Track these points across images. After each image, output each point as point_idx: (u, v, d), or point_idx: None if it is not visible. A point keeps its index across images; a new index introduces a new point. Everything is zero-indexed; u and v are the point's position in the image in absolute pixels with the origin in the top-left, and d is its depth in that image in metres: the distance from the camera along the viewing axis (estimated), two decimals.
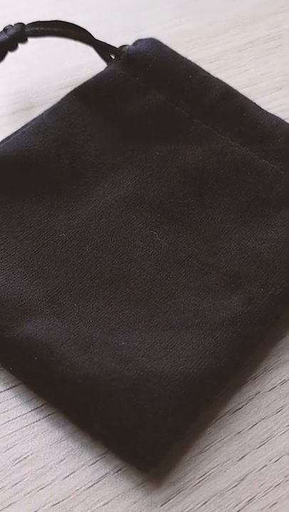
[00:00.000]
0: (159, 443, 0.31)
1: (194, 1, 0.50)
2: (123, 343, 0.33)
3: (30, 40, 0.43)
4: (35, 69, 0.45)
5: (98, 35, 0.43)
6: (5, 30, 0.41)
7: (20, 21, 0.42)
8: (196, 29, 0.48)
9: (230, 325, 0.34)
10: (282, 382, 0.34)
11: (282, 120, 0.41)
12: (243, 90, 0.44)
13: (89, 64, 0.44)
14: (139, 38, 0.43)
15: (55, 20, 0.42)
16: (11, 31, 0.41)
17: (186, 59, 0.42)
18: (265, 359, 0.35)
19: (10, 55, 0.43)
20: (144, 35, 0.43)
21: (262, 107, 0.42)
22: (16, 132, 0.39)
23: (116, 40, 0.43)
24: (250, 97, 0.43)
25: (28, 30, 0.42)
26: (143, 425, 0.31)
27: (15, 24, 0.42)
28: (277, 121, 0.40)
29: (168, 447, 0.31)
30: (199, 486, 0.31)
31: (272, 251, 0.36)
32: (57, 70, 0.45)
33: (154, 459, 0.31)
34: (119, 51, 0.42)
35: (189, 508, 0.31)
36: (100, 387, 0.31)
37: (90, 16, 0.48)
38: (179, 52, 0.42)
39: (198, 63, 0.43)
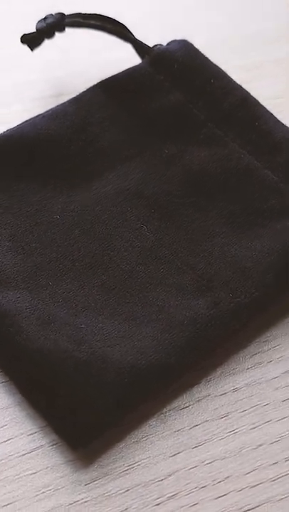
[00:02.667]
0: (92, 425, 0.31)
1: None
2: (83, 326, 0.34)
3: (73, 31, 0.44)
4: (73, 59, 0.46)
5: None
6: (45, 18, 0.43)
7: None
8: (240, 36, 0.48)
9: (189, 325, 0.34)
10: (235, 390, 0.34)
11: None
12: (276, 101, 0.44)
13: (124, 59, 0.44)
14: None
15: (95, 14, 0.43)
16: (50, 20, 0.42)
17: (212, 64, 0.42)
18: (224, 364, 0.35)
19: (52, 43, 0.44)
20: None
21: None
22: (37, 116, 0.41)
23: None
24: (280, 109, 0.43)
25: (66, 20, 0.43)
26: (80, 405, 0.31)
27: (55, 14, 0.43)
28: None
29: (100, 431, 0.32)
30: (126, 474, 0.32)
31: (251, 260, 0.36)
32: (93, 62, 0.45)
33: (84, 439, 0.31)
34: (150, 49, 0.42)
35: (111, 492, 0.31)
36: (48, 362, 0.32)
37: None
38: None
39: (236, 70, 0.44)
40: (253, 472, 0.32)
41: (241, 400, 0.34)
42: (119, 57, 0.44)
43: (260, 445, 0.33)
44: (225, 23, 0.48)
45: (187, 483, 0.32)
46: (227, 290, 0.35)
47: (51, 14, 0.43)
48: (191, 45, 0.42)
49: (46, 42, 0.43)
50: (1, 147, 0.39)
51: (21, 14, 0.46)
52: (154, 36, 0.44)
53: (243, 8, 0.49)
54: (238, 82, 0.42)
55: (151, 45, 0.43)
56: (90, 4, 0.47)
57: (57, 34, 0.43)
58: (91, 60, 0.46)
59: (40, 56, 0.45)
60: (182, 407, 0.33)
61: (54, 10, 0.43)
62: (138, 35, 0.44)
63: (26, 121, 0.40)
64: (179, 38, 0.44)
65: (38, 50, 0.44)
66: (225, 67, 0.43)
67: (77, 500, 0.31)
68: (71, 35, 0.45)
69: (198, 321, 0.34)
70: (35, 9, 0.44)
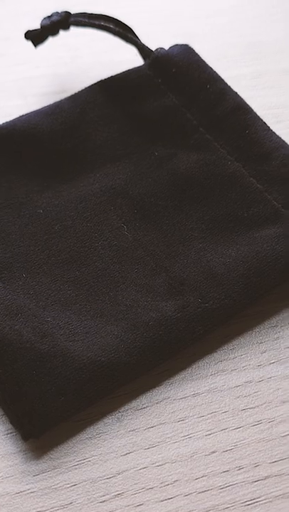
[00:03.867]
0: (44, 417, 0.31)
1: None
2: (49, 319, 0.34)
3: (83, 30, 0.44)
4: (80, 57, 0.46)
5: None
6: (50, 16, 0.43)
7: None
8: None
9: (154, 326, 0.34)
10: (195, 395, 0.34)
11: (287, 145, 0.39)
12: (276, 111, 0.43)
13: (130, 60, 0.44)
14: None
15: (101, 14, 0.43)
16: (54, 17, 0.43)
17: (210, 69, 0.41)
18: (188, 369, 0.34)
19: (60, 41, 0.44)
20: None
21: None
22: (34, 111, 0.41)
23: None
24: (279, 118, 0.43)
25: (72, 19, 0.43)
26: (35, 397, 0.31)
27: (61, 12, 0.43)
28: (279, 144, 0.39)
29: (51, 423, 0.32)
30: (75, 469, 0.31)
31: (224, 266, 0.35)
32: (98, 61, 0.45)
33: (36, 431, 0.31)
34: (151, 52, 0.42)
35: (58, 485, 0.31)
36: (9, 352, 0.32)
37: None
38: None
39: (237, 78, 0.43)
40: (202, 478, 0.31)
41: (200, 405, 0.33)
42: (124, 59, 0.45)
43: (213, 452, 0.32)
44: (231, 30, 0.48)
45: (135, 483, 0.31)
46: (197, 295, 0.35)
47: (57, 12, 0.43)
48: (192, 50, 0.42)
49: (56, 40, 0.44)
50: None
51: (33, 10, 0.47)
52: (161, 40, 0.44)
53: (250, 16, 0.49)
54: (240, 90, 0.42)
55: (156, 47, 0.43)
56: (108, 6, 0.48)
57: (66, 33, 0.44)
58: (97, 60, 0.46)
59: (48, 53, 0.45)
60: (140, 407, 0.33)
61: (70, 9, 0.43)
62: (146, 38, 0.44)
63: (22, 115, 0.41)
64: (185, 42, 0.43)
65: (46, 48, 0.44)
66: (227, 74, 0.43)
67: (24, 491, 0.31)
68: (80, 34, 0.45)
69: (164, 323, 0.34)
70: (48, 7, 0.45)
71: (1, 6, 0.48)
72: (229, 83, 0.42)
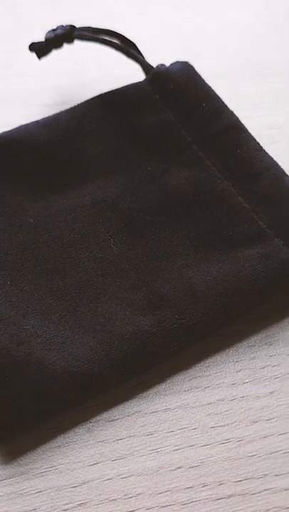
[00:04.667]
0: (13, 422, 0.32)
1: None
2: (28, 327, 0.34)
3: (88, 44, 0.44)
4: (84, 71, 0.46)
5: None
6: (54, 29, 0.43)
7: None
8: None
9: (129, 340, 0.34)
10: (166, 410, 0.34)
11: (278, 166, 0.39)
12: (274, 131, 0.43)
13: (133, 75, 0.44)
14: None
15: (105, 29, 0.44)
16: (59, 31, 0.43)
17: (208, 87, 0.42)
18: (161, 383, 0.34)
19: (66, 54, 0.45)
20: None
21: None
22: (32, 122, 0.41)
23: None
24: (275, 139, 0.43)
25: (76, 33, 0.44)
26: (5, 402, 0.32)
27: (66, 25, 0.44)
28: (270, 164, 0.39)
29: (20, 429, 0.32)
30: (42, 476, 0.32)
31: (204, 284, 0.36)
32: (102, 75, 0.46)
33: (4, 435, 0.32)
34: (151, 68, 0.43)
35: (23, 491, 0.31)
36: None
37: None
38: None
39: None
40: (166, 493, 0.32)
41: (170, 420, 0.33)
42: (127, 73, 0.45)
43: (179, 467, 0.32)
44: (236, 48, 0.48)
45: (99, 494, 0.32)
46: (174, 310, 0.35)
47: (62, 25, 0.44)
48: (192, 67, 0.42)
49: (61, 52, 0.45)
50: None
51: (41, 23, 0.47)
52: (165, 55, 0.45)
53: (256, 35, 0.49)
54: (242, 108, 0.42)
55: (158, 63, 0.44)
56: (116, 21, 0.49)
57: (71, 46, 0.44)
58: (100, 74, 0.46)
59: (53, 65, 0.46)
60: (111, 419, 0.33)
61: (78, 22, 0.44)
62: (151, 54, 0.44)
63: (21, 126, 0.41)
64: (189, 58, 0.44)
65: (51, 60, 0.45)
66: (230, 92, 0.43)
67: None
68: (85, 48, 0.45)
69: (139, 337, 0.34)
70: (56, 19, 0.46)
71: (10, 17, 0.49)
72: (232, 101, 0.42)
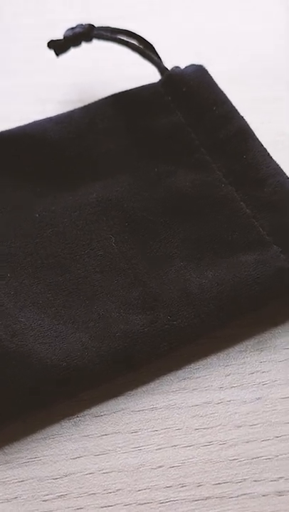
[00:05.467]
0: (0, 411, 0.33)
1: None
2: (23, 320, 0.35)
3: (110, 43, 0.45)
4: (102, 69, 0.46)
5: None
6: (73, 27, 0.44)
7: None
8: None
9: (120, 337, 0.34)
10: (152, 409, 0.34)
11: (283, 173, 0.39)
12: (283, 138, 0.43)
13: (150, 76, 0.44)
14: None
15: (123, 29, 0.44)
16: (77, 29, 0.44)
17: (220, 92, 0.42)
18: (150, 383, 0.35)
19: (86, 52, 0.45)
20: None
21: None
22: (46, 118, 0.42)
23: None
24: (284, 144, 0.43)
25: (94, 32, 0.44)
26: None
27: (85, 24, 0.44)
28: (276, 171, 0.39)
29: (7, 418, 0.33)
30: (25, 466, 0.32)
31: (199, 287, 0.36)
32: (120, 74, 0.46)
33: None
34: (166, 70, 0.43)
35: (6, 479, 0.32)
36: None
37: None
38: None
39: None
40: (145, 491, 0.32)
41: (156, 420, 0.34)
42: (145, 73, 0.45)
43: (160, 466, 0.33)
44: (253, 54, 0.48)
45: (79, 487, 0.32)
46: (167, 312, 0.35)
47: (81, 24, 0.44)
48: (205, 71, 0.42)
49: (81, 50, 0.45)
50: (0, 143, 0.40)
51: (65, 20, 0.48)
52: (182, 58, 0.45)
53: (272, 42, 0.49)
54: (254, 114, 0.42)
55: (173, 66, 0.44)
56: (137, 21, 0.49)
57: (92, 44, 0.45)
58: (118, 73, 0.46)
59: (72, 63, 0.46)
60: (97, 414, 0.34)
61: (103, 22, 0.44)
62: (168, 55, 0.45)
63: (35, 121, 0.42)
64: (206, 61, 0.44)
65: (71, 57, 0.45)
66: (243, 97, 0.43)
67: None
68: (105, 47, 0.46)
69: (130, 335, 0.34)
70: (80, 17, 0.46)
71: (34, 14, 0.49)
72: (245, 106, 0.42)
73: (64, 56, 0.45)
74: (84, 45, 0.44)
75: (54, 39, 0.44)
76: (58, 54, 0.44)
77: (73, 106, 0.43)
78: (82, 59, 0.46)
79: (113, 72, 0.47)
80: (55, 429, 0.33)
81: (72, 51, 0.45)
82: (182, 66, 0.43)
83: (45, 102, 0.45)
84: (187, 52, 0.47)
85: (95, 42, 0.44)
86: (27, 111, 0.44)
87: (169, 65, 0.44)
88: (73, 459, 0.33)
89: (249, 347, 0.36)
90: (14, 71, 0.47)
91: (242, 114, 0.41)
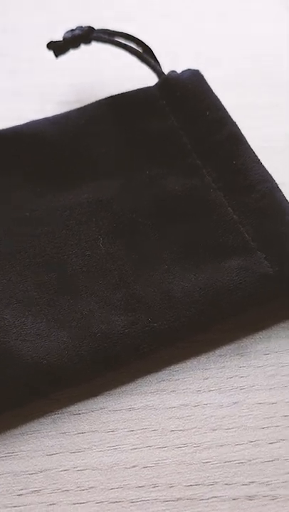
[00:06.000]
0: None
1: None
2: (7, 317, 0.35)
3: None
4: (103, 71, 0.47)
5: None
6: (73, 29, 0.44)
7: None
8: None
9: (100, 338, 0.35)
10: (130, 409, 0.35)
11: (272, 180, 0.39)
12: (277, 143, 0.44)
13: (150, 78, 0.45)
14: None
15: (121, 32, 0.44)
16: (77, 32, 0.44)
17: (214, 97, 0.42)
18: (129, 383, 0.35)
19: (87, 53, 0.45)
20: None
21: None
22: (42, 118, 0.42)
23: None
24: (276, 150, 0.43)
25: (93, 34, 0.44)
26: None
27: (84, 26, 0.44)
28: (264, 177, 0.39)
29: None
30: (2, 460, 0.33)
31: (182, 290, 0.36)
32: (120, 76, 0.46)
33: None
34: (162, 74, 0.43)
35: None
36: None
37: None
38: None
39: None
40: (117, 489, 0.32)
41: (133, 420, 0.34)
42: (145, 76, 0.45)
43: (134, 466, 0.33)
44: (253, 59, 0.48)
45: (53, 483, 0.33)
46: (148, 314, 0.35)
47: (81, 26, 0.45)
48: (201, 76, 0.43)
49: (83, 51, 0.45)
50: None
51: (69, 20, 0.48)
52: (181, 61, 0.45)
53: (272, 47, 0.49)
54: (250, 118, 0.42)
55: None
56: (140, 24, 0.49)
57: (93, 45, 0.45)
58: (118, 74, 0.47)
59: (73, 63, 0.46)
60: (75, 412, 0.34)
61: (107, 24, 0.45)
62: (167, 59, 0.45)
63: (33, 121, 0.42)
64: (205, 65, 0.44)
65: (72, 58, 0.45)
66: (240, 101, 0.44)
67: None
68: (106, 48, 0.46)
69: (110, 336, 0.35)
70: (85, 18, 0.46)
71: (40, 14, 0.50)
72: (241, 111, 0.42)
73: (65, 57, 0.45)
74: (85, 46, 0.45)
75: (53, 40, 0.45)
76: (57, 55, 0.45)
77: (71, 106, 0.44)
78: (82, 60, 0.46)
79: (112, 73, 0.47)
80: (33, 425, 0.34)
81: (74, 52, 0.45)
82: (181, 69, 0.44)
83: (43, 102, 0.45)
84: (187, 55, 0.47)
85: (96, 43, 0.45)
86: (26, 109, 0.45)
87: (168, 67, 0.44)
88: (49, 455, 0.33)
89: (229, 351, 0.36)
90: (16, 70, 0.47)
91: (237, 119, 0.42)
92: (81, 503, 0.32)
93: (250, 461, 0.33)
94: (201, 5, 0.51)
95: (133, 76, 0.46)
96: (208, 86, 0.42)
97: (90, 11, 0.50)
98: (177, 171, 0.40)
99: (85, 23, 0.45)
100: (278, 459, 0.33)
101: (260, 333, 0.37)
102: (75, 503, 0.32)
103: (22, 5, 0.50)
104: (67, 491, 0.32)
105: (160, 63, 0.44)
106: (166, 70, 0.44)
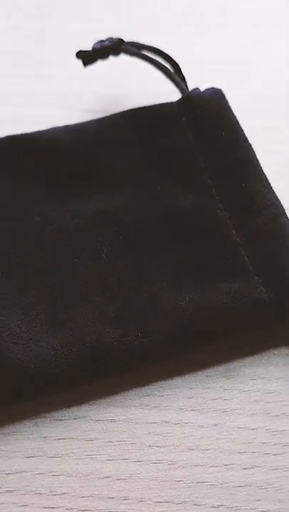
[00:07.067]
0: None
1: None
2: (2, 318, 0.36)
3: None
4: (130, 83, 0.47)
5: None
6: (102, 40, 0.45)
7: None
8: None
9: (89, 348, 0.35)
10: (111, 421, 0.35)
11: (280, 206, 0.39)
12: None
13: (177, 94, 0.45)
14: None
15: (150, 46, 0.45)
16: (106, 43, 0.45)
17: (233, 117, 0.42)
18: (114, 395, 0.35)
19: (118, 64, 0.46)
20: None
21: None
22: (64, 125, 0.43)
23: None
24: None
25: (122, 47, 0.45)
26: None
27: (114, 38, 0.45)
28: (272, 202, 0.39)
29: None
30: None
31: (175, 309, 0.36)
32: (147, 90, 0.47)
33: None
34: (185, 91, 0.43)
35: None
36: None
37: None
38: None
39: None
40: (88, 498, 0.33)
41: (112, 431, 0.35)
42: (173, 90, 0.46)
43: (107, 477, 0.34)
44: (280, 80, 0.48)
45: (27, 485, 0.33)
46: (138, 328, 0.36)
47: (111, 38, 0.45)
48: (222, 95, 0.43)
49: (113, 61, 0.46)
50: (16, 144, 0.42)
51: (104, 30, 0.49)
52: (209, 80, 0.45)
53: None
54: (265, 142, 0.43)
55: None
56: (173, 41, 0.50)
57: (123, 57, 0.46)
58: (145, 88, 0.47)
59: (103, 73, 0.47)
60: (58, 418, 0.35)
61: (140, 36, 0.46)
62: (194, 76, 0.45)
63: (53, 127, 0.43)
64: (230, 85, 0.44)
65: (102, 67, 0.46)
66: (262, 124, 0.44)
67: None
68: (137, 60, 0.47)
69: (98, 347, 0.35)
70: (121, 29, 0.47)
71: (76, 22, 0.51)
72: (260, 133, 0.43)
73: (94, 66, 0.46)
74: (120, 56, 0.46)
75: (83, 50, 0.45)
76: (85, 64, 0.46)
77: (94, 116, 0.44)
78: (112, 69, 0.47)
79: (140, 86, 0.47)
80: (16, 426, 0.35)
81: (104, 62, 0.46)
82: (208, 86, 0.44)
83: (68, 109, 0.46)
84: (214, 73, 0.47)
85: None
86: (49, 115, 0.45)
87: (195, 84, 0.45)
88: (27, 457, 0.34)
89: (217, 373, 0.36)
90: (46, 76, 0.48)
91: (255, 141, 0.42)
92: (51, 508, 0.33)
93: (222, 484, 0.33)
94: (235, 25, 0.51)
95: (159, 90, 0.46)
96: (229, 106, 0.42)
97: (126, 23, 0.50)
98: (187, 188, 0.41)
99: (119, 35, 0.46)
100: (250, 486, 0.33)
101: (250, 357, 0.37)
102: (46, 507, 0.33)
103: (61, 12, 0.51)
104: (40, 494, 0.33)
105: (186, 79, 0.45)
106: (193, 86, 0.45)
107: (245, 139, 0.41)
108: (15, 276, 0.38)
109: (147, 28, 0.50)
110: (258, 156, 0.41)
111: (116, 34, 0.46)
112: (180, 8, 0.52)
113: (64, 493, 0.33)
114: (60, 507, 0.33)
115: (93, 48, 0.45)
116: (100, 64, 0.46)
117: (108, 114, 0.44)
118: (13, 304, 0.37)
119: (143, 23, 0.51)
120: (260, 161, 0.41)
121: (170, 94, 0.45)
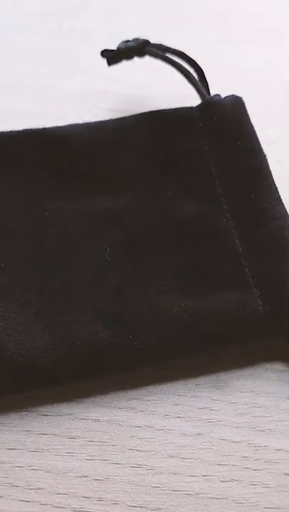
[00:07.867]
0: None
1: None
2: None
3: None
4: (155, 84, 0.47)
5: None
6: (128, 41, 0.45)
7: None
8: None
9: (79, 347, 0.35)
10: (96, 421, 0.35)
11: (287, 218, 0.38)
12: None
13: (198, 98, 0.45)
14: None
15: (177, 50, 0.44)
16: (131, 43, 0.45)
17: (249, 127, 0.41)
18: (101, 396, 0.35)
19: (144, 64, 0.46)
20: None
21: None
22: (83, 122, 0.43)
23: None
24: None
25: (147, 48, 0.45)
26: None
27: (140, 39, 0.45)
28: (279, 215, 0.38)
29: None
30: None
31: (169, 314, 0.36)
32: (171, 92, 0.46)
33: None
34: (205, 96, 0.43)
35: None
36: None
37: None
38: None
39: None
40: (63, 495, 0.33)
41: (95, 431, 0.35)
42: (196, 95, 0.45)
43: (85, 476, 0.34)
44: None
45: (5, 477, 0.34)
46: (131, 330, 0.36)
47: (137, 39, 0.45)
48: (242, 103, 0.42)
49: (139, 62, 0.46)
50: (31, 138, 0.42)
51: (133, 30, 0.49)
52: (234, 87, 0.45)
53: None
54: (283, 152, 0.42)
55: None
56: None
57: (149, 59, 0.46)
58: (169, 90, 0.47)
59: (128, 73, 0.47)
60: (43, 413, 0.35)
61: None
62: (221, 82, 0.45)
63: (72, 124, 0.43)
64: (253, 94, 0.44)
65: (127, 67, 0.46)
66: (279, 134, 0.43)
67: None
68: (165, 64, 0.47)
69: (88, 346, 0.35)
70: (156, 30, 0.47)
71: (108, 21, 0.51)
72: (278, 144, 0.42)
73: (121, 66, 0.46)
74: (146, 57, 0.46)
75: (108, 49, 0.45)
76: (109, 64, 0.46)
77: (115, 115, 0.44)
78: (138, 70, 0.47)
79: (165, 89, 0.47)
80: (0, 417, 0.35)
81: (131, 62, 0.46)
82: (231, 92, 0.44)
83: (90, 107, 0.46)
84: (239, 79, 0.47)
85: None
86: (69, 110, 0.46)
87: (218, 90, 0.44)
88: (8, 449, 0.34)
89: (206, 382, 0.36)
90: (75, 72, 0.48)
91: (272, 151, 0.41)
92: (26, 502, 0.33)
93: (198, 494, 0.33)
94: (262, 33, 0.51)
95: (183, 94, 0.46)
96: (247, 114, 0.42)
97: (159, 25, 0.50)
98: (197, 194, 0.40)
99: (146, 36, 0.45)
100: (226, 499, 0.33)
101: (242, 369, 0.36)
102: (21, 500, 0.33)
103: (94, 10, 0.51)
104: (17, 487, 0.33)
105: (208, 85, 0.45)
106: (217, 91, 0.44)
107: (260, 149, 0.41)
108: (17, 269, 0.38)
109: (176, 31, 0.50)
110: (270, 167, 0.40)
111: (143, 35, 0.46)
112: (212, 13, 0.52)
113: (40, 488, 0.33)
114: (34, 501, 0.33)
115: (118, 48, 0.45)
116: (124, 64, 0.46)
117: (129, 114, 0.44)
118: (12, 299, 0.37)
119: (172, 26, 0.51)
120: (272, 171, 0.40)
121: (193, 98, 0.45)
